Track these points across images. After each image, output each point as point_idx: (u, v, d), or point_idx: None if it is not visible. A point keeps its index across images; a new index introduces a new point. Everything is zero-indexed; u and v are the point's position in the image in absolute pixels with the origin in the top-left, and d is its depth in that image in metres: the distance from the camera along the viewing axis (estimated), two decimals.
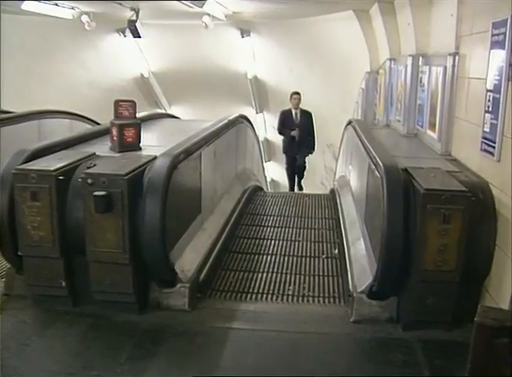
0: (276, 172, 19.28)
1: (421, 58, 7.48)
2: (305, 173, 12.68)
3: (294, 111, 11.90)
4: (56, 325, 4.69)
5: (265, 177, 14.42)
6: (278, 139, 21.34)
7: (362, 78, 11.44)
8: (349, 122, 9.19)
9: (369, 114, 10.99)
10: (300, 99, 11.78)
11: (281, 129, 12.13)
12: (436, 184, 4.42)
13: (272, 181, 19.64)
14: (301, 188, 12.76)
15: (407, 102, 7.66)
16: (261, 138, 17.57)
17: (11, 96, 12.68)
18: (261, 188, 10.95)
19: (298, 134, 11.77)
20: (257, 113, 19.41)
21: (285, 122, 11.96)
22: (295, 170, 12.53)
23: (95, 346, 4.37)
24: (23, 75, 13.82)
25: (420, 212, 4.31)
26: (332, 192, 9.80)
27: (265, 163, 16.98)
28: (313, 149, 12.30)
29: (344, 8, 10.66)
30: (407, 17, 7.87)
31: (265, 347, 4.42)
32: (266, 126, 20.00)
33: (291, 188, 12.77)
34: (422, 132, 7.14)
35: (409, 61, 7.58)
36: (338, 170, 10.78)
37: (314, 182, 17.20)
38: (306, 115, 11.95)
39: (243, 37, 15.70)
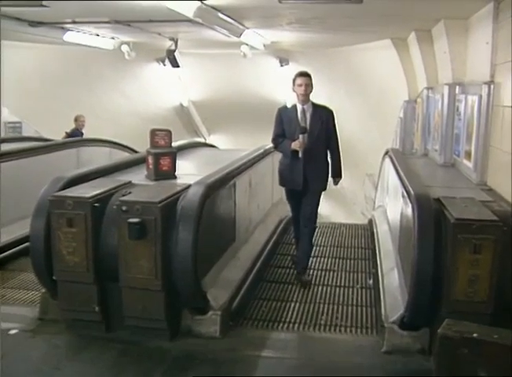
0: None
1: (457, 87, 7.44)
2: (316, 225, 6.91)
3: (299, 108, 6.39)
4: (88, 350, 4.76)
5: None
6: None
7: (400, 107, 11.40)
8: (387, 152, 9.17)
9: (407, 143, 10.91)
10: (310, 86, 6.34)
11: (276, 140, 6.58)
12: (467, 213, 4.38)
13: None
14: (307, 254, 6.79)
15: (443, 131, 7.61)
16: None
17: (52, 124, 13.05)
18: None
19: (307, 147, 6.34)
20: None
21: (283, 127, 6.47)
22: (300, 217, 6.75)
23: (125, 372, 4.42)
24: (65, 104, 14.14)
25: (451, 242, 4.27)
26: (370, 221, 9.74)
27: None
28: (339, 175, 6.75)
29: (381, 36, 10.68)
30: (444, 45, 7.86)
31: (294, 375, 4.40)
32: None
33: (297, 245, 7.07)
34: (459, 161, 7.09)
35: (445, 90, 7.56)
36: (377, 199, 10.72)
37: (354, 212, 17.12)
38: (322, 115, 6.42)
39: (281, 66, 15.81)
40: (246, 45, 12.06)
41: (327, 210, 19.52)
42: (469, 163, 6.40)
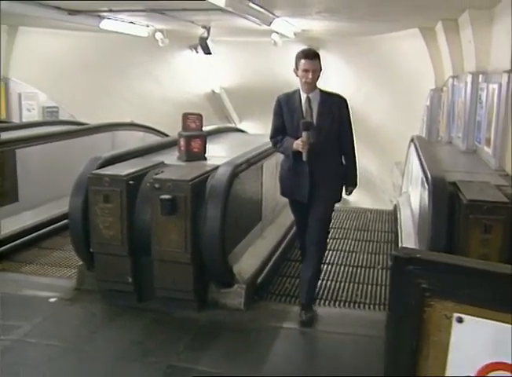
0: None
1: (480, 75, 7.61)
2: (327, 245, 5.49)
3: (303, 96, 5.05)
4: (122, 318, 5.11)
5: None
6: None
7: (427, 95, 11.53)
8: (412, 140, 9.35)
9: (433, 131, 11.06)
10: (319, 70, 5.02)
11: (275, 138, 5.20)
12: (479, 195, 4.61)
13: (342, 198, 19.66)
14: (314, 283, 5.28)
15: (466, 119, 7.80)
16: None
17: (88, 109, 13.46)
18: None
19: (314, 147, 4.92)
20: None
21: (284, 121, 5.12)
22: (306, 234, 5.27)
23: (155, 337, 4.74)
24: (100, 89, 14.54)
25: (463, 222, 4.51)
26: (395, 207, 9.94)
27: None
28: (354, 184, 5.33)
29: (409, 26, 10.80)
30: (469, 35, 8.01)
31: (313, 345, 4.70)
32: None
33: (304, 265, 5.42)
34: (480, 148, 7.27)
35: (469, 79, 7.73)
36: (403, 186, 10.91)
37: (383, 200, 17.24)
38: (333, 105, 5.05)
39: None
40: (277, 33, 12.27)
41: (355, 196, 19.69)
42: (489, 150, 6.59)
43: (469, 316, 1.50)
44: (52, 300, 5.46)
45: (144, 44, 13.92)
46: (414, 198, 7.53)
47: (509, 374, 1.48)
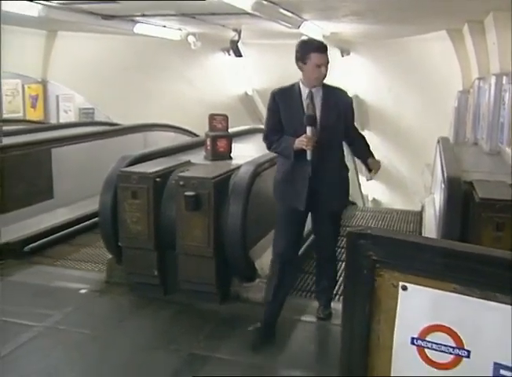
0: (377, 191, 19.41)
1: (504, 77, 7.69)
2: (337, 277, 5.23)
3: (305, 91, 4.53)
4: (148, 308, 5.37)
5: (361, 192, 14.63)
6: (379, 157, 21.30)
7: (455, 97, 11.60)
8: (438, 141, 9.45)
9: (460, 132, 11.11)
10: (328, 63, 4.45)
11: (270, 138, 4.62)
12: (492, 194, 4.72)
13: (374, 200, 19.73)
14: (331, 289, 5.19)
15: (490, 120, 7.89)
16: None
17: (122, 110, 13.81)
18: (354, 203, 11.29)
19: (319, 145, 4.40)
20: None
21: (281, 118, 4.57)
22: (297, 244, 4.88)
23: (179, 327, 4.98)
24: (135, 91, 14.88)
25: (475, 220, 4.63)
26: (422, 208, 10.05)
27: (364, 181, 17.22)
28: (372, 155, 4.77)
29: (437, 28, 10.90)
30: (493, 36, 8.10)
31: (329, 337, 4.88)
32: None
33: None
34: (503, 149, 7.35)
35: (493, 80, 7.82)
36: (431, 188, 11.00)
37: (413, 202, 17.25)
38: (339, 101, 4.60)
39: (342, 56, 16.09)
40: (306, 36, 12.45)
41: (386, 197, 19.76)
42: (510, 150, 6.69)
43: (412, 285, 1.70)
44: (82, 291, 5.75)
45: (177, 47, 14.22)
46: (436, 198, 7.65)
47: (445, 335, 1.68)
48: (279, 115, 4.55)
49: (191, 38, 13.47)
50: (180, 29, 12.76)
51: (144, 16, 10.60)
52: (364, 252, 1.68)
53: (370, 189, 18.07)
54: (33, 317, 5.04)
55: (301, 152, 4.40)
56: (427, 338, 1.74)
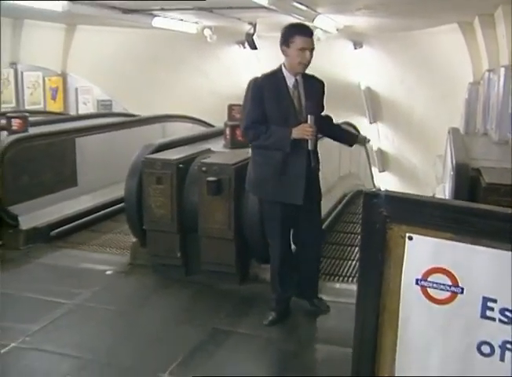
0: (390, 182, 19.60)
1: None
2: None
3: (291, 80, 4.47)
4: (171, 288, 5.67)
5: (374, 183, 14.84)
6: (392, 149, 21.50)
7: (466, 88, 11.79)
8: (448, 132, 9.67)
9: (471, 123, 11.31)
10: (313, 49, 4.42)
11: (255, 129, 4.42)
12: (498, 179, 4.98)
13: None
14: (317, 280, 5.24)
15: (499, 110, 8.10)
16: (374, 148, 17.96)
17: (139, 102, 14.11)
18: None
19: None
20: (370, 123, 19.71)
21: (266, 108, 4.41)
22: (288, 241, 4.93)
23: (200, 305, 5.30)
24: (152, 83, 15.18)
25: (482, 203, 4.87)
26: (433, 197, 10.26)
27: (377, 172, 17.41)
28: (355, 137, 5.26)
29: (448, 21, 11.09)
30: (502, 29, 8.30)
31: (344, 314, 5.13)
32: (380, 136, 20.37)
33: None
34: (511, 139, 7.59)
35: (502, 72, 8.03)
36: (442, 178, 11.21)
37: (425, 193, 17.41)
38: (318, 90, 4.64)
39: (355, 49, 16.25)
40: (320, 29, 12.66)
41: (398, 188, 19.91)
42: None
43: (417, 235, 2.03)
44: (108, 272, 6.07)
45: (193, 40, 14.46)
46: (447, 186, 7.87)
47: (443, 275, 2.02)
48: (264, 105, 4.40)
49: (207, 32, 13.71)
50: (196, 22, 13.01)
51: (162, 10, 10.87)
52: (377, 209, 2.01)
53: (382, 181, 18.26)
54: (63, 295, 5.35)
55: (299, 143, 4.34)
56: (429, 279, 2.07)
